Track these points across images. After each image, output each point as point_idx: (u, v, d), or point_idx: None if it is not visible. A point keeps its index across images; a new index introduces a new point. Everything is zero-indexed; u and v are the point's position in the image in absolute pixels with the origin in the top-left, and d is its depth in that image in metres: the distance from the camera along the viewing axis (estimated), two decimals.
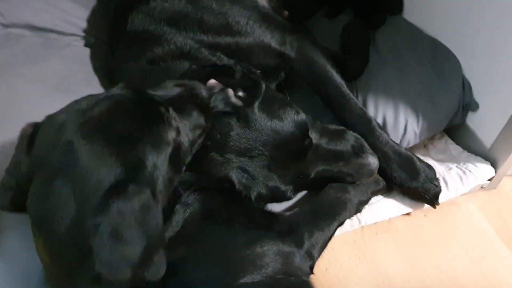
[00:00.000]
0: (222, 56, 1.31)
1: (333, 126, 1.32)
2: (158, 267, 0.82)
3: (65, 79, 1.32)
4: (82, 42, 1.54)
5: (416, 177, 1.36)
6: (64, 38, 1.50)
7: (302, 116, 1.18)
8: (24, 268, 1.00)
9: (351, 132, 1.30)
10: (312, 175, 1.21)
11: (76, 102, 0.91)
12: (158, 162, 0.87)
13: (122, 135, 0.85)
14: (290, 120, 1.15)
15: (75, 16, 1.55)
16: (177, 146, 0.94)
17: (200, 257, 0.95)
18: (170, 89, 1.01)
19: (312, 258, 1.14)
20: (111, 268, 0.76)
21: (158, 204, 0.85)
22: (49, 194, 0.81)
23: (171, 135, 0.91)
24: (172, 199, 1.03)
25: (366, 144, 1.29)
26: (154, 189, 0.84)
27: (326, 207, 1.25)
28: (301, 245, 1.11)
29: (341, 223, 1.29)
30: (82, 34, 1.56)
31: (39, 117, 0.91)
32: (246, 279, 0.94)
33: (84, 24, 1.58)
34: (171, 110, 0.95)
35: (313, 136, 1.21)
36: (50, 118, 0.90)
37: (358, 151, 1.25)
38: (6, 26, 1.43)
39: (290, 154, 1.15)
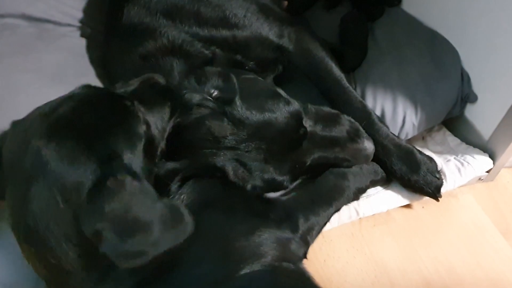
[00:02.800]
0: (216, 50, 1.29)
1: (327, 109, 1.31)
2: (184, 229, 0.81)
3: (61, 70, 1.30)
4: (78, 33, 1.52)
5: (417, 170, 1.35)
6: (59, 29, 1.48)
7: (294, 105, 1.18)
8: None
9: (345, 115, 1.30)
10: (308, 162, 1.21)
11: (38, 108, 0.90)
12: (133, 154, 0.87)
13: (90, 131, 0.84)
14: (281, 111, 1.14)
15: (70, 7, 1.53)
16: (150, 138, 0.94)
17: (201, 249, 0.94)
18: (131, 84, 1.03)
19: (306, 244, 1.15)
20: (133, 257, 0.75)
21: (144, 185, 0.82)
22: (29, 201, 0.80)
23: (141, 128, 0.91)
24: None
25: (361, 128, 1.28)
26: (135, 177, 0.82)
27: (324, 193, 1.25)
28: (296, 230, 1.12)
29: (338, 210, 1.29)
30: (78, 24, 1.54)
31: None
32: (247, 270, 0.93)
33: (79, 15, 1.56)
34: (136, 103, 0.94)
35: (308, 123, 1.21)
36: (14, 125, 0.89)
37: (353, 136, 1.25)
38: (1, 16, 1.41)
39: (285, 145, 1.15)
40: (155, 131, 0.98)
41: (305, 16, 1.67)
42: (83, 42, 1.50)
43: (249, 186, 1.14)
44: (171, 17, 1.28)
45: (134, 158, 0.86)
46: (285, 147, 1.14)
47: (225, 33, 1.30)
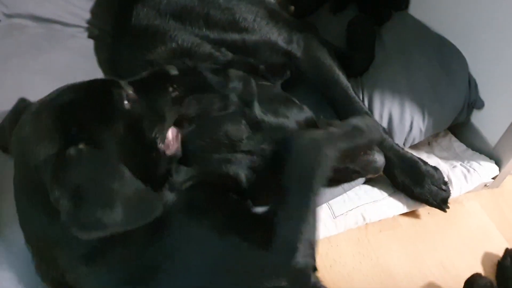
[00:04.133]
0: (226, 52, 1.29)
1: (337, 122, 1.30)
2: (149, 209, 0.79)
3: (69, 71, 1.29)
4: (85, 34, 1.53)
5: (421, 182, 1.36)
6: (68, 29, 1.48)
7: (307, 112, 1.18)
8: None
9: None
10: None
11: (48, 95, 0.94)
12: (107, 129, 0.87)
13: (63, 109, 0.86)
14: (295, 117, 1.14)
15: (79, 7, 1.53)
16: (136, 116, 0.93)
17: (178, 266, 0.86)
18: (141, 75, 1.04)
19: (312, 256, 0.95)
20: (90, 228, 0.74)
21: (119, 163, 0.82)
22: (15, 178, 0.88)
23: (122, 106, 0.91)
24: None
25: None
26: (110, 152, 0.84)
27: (295, 187, 0.96)
28: (294, 251, 0.89)
29: (318, 192, 0.97)
30: (86, 25, 1.54)
31: None
32: None
33: (87, 15, 1.56)
34: (128, 88, 0.95)
35: None
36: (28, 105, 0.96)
37: (365, 148, 1.24)
38: (10, 16, 1.41)
39: None
40: (146, 116, 0.96)
41: (312, 22, 1.66)
42: (91, 43, 1.50)
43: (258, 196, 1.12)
44: (180, 19, 1.28)
45: (105, 132, 0.86)
46: None
47: (234, 36, 1.30)
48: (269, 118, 1.10)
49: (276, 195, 0.97)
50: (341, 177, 1.27)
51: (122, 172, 0.79)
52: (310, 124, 1.16)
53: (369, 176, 1.30)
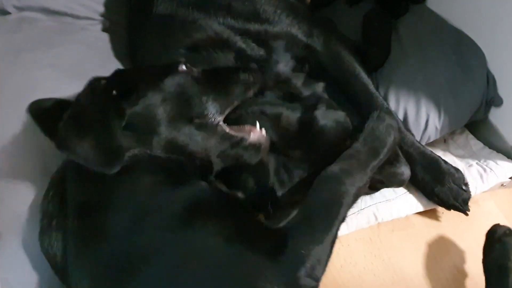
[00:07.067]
0: (254, 45, 1.29)
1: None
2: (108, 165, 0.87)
3: (80, 65, 1.28)
4: (97, 26, 1.51)
5: (441, 180, 1.32)
6: (78, 22, 1.46)
7: (344, 117, 1.18)
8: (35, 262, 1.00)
9: None
10: None
11: None
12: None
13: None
14: (335, 121, 1.15)
15: None
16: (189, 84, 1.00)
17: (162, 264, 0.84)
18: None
19: (315, 279, 0.88)
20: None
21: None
22: None
23: (175, 80, 0.99)
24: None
25: (400, 153, 1.25)
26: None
27: (320, 211, 0.95)
28: (301, 264, 0.85)
29: (343, 221, 1.00)
30: (97, 17, 1.53)
31: None
32: None
33: (99, 7, 1.54)
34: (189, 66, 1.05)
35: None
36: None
37: (392, 159, 1.21)
38: (21, 9, 1.40)
39: (329, 154, 1.11)
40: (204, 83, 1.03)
41: (328, 15, 1.62)
42: (102, 35, 1.48)
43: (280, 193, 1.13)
44: (204, 9, 1.27)
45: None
46: (330, 158, 1.10)
47: (257, 27, 1.29)
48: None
49: (298, 213, 0.95)
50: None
51: (111, 126, 0.88)
52: (345, 129, 1.17)
53: (393, 187, 1.28)
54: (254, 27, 1.28)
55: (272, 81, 1.26)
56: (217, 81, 1.03)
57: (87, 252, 0.87)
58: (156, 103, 0.94)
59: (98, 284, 0.85)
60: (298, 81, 1.31)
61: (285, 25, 1.31)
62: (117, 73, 0.98)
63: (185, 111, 0.97)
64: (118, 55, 1.44)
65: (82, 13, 1.48)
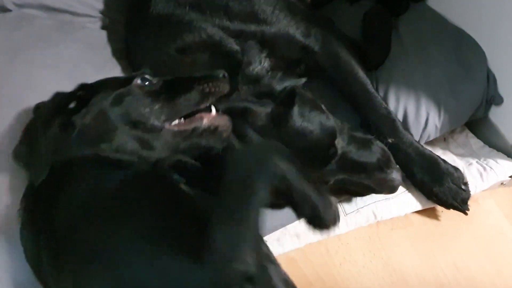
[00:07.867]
0: (251, 42, 1.28)
1: (360, 135, 1.28)
2: None
3: (79, 65, 1.28)
4: (96, 24, 1.51)
5: (440, 180, 1.32)
6: (78, 19, 1.46)
7: (331, 123, 1.16)
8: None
9: (378, 143, 1.27)
10: (331, 182, 1.19)
11: None
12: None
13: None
14: (318, 124, 1.13)
15: None
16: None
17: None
18: None
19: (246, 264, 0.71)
20: None
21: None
22: None
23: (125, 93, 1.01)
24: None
25: (392, 159, 1.25)
26: None
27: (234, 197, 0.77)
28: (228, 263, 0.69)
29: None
30: (97, 15, 1.52)
31: None
32: None
33: (98, 5, 1.54)
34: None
35: (340, 144, 1.18)
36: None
37: (383, 165, 1.21)
38: (20, 6, 1.40)
39: (312, 160, 1.12)
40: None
41: (328, 13, 1.62)
42: (101, 33, 1.48)
43: None
44: (200, 9, 1.26)
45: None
46: (311, 163, 1.12)
47: (254, 28, 1.28)
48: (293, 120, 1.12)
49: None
50: (352, 191, 1.26)
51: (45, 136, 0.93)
52: (331, 136, 1.15)
53: (384, 194, 1.28)
54: (250, 28, 1.27)
55: (244, 83, 1.26)
56: (171, 91, 1.05)
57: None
58: (104, 115, 0.97)
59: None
60: (273, 79, 1.30)
61: (283, 25, 1.30)
62: (80, 87, 1.03)
63: (131, 121, 0.99)
64: (117, 53, 1.43)
65: (81, 10, 1.48)
